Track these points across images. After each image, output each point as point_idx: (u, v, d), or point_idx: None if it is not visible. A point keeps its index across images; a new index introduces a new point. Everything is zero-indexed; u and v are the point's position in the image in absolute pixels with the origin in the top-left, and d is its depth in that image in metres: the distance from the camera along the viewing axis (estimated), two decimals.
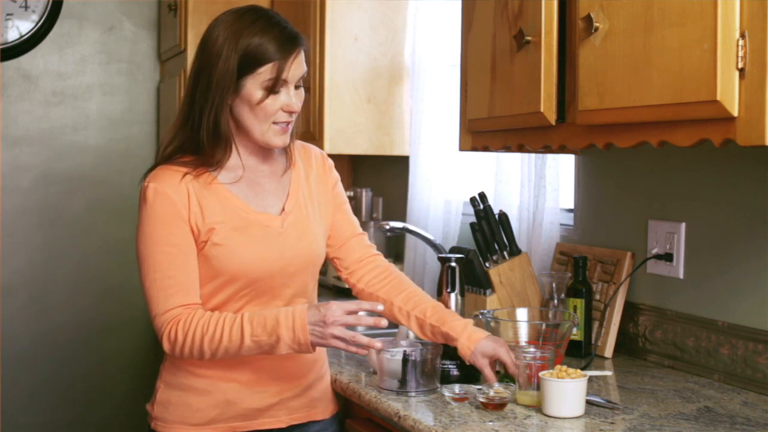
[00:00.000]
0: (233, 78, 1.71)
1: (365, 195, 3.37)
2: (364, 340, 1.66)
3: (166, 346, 1.74)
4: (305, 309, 1.67)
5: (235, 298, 1.77)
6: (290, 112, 1.76)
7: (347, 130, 3.08)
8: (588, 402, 1.71)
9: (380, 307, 1.71)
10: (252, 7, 1.79)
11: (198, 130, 1.75)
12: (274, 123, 1.76)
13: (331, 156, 3.08)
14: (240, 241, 1.75)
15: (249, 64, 1.71)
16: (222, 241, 1.74)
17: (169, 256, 1.74)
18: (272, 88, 1.72)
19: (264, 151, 1.85)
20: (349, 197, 3.42)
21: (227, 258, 1.74)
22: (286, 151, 1.90)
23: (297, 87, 1.77)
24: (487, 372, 1.78)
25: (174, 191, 1.74)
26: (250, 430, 1.82)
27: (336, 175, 1.98)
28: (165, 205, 1.74)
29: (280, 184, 1.86)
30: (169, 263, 1.74)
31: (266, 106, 1.73)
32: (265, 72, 1.71)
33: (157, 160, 1.81)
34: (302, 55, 1.76)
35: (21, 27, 3.79)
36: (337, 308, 1.66)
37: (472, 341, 1.80)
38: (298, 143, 1.94)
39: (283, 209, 1.83)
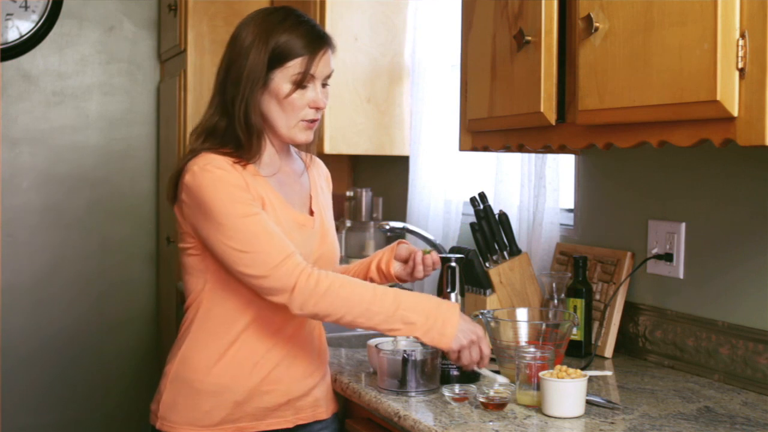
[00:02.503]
0: (263, 71, 1.75)
1: (365, 195, 3.37)
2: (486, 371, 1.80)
3: (297, 295, 1.67)
4: (457, 308, 1.74)
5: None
6: (316, 108, 1.80)
7: (347, 130, 3.08)
8: (588, 402, 1.71)
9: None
10: (280, 7, 1.85)
11: (232, 122, 1.78)
12: (302, 120, 1.80)
13: (331, 156, 3.09)
14: (285, 234, 1.77)
15: (278, 58, 1.75)
16: None
17: (262, 215, 1.72)
18: (300, 81, 1.76)
19: (285, 152, 1.89)
20: (349, 197, 3.42)
21: None
22: (303, 157, 1.95)
23: (324, 85, 1.82)
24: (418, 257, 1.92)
25: (231, 169, 1.75)
26: (259, 430, 1.83)
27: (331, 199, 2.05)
28: (234, 175, 1.73)
29: (301, 186, 1.91)
30: (267, 220, 1.72)
31: (293, 101, 1.77)
32: (294, 66, 1.76)
33: (196, 149, 1.80)
34: (330, 54, 1.81)
35: (21, 27, 3.79)
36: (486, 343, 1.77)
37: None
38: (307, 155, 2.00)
39: (311, 210, 1.88)
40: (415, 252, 1.94)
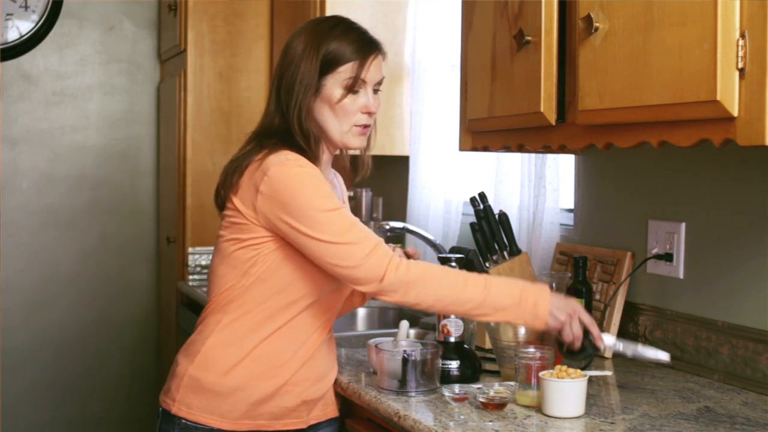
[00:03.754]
0: (315, 77, 1.78)
1: (365, 195, 3.37)
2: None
3: (391, 273, 1.69)
4: (546, 287, 1.74)
5: (311, 298, 1.80)
6: (368, 113, 1.82)
7: None
8: (639, 356, 1.77)
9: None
10: (332, 16, 1.90)
11: (290, 128, 1.80)
12: (354, 125, 1.82)
13: None
14: None
15: (330, 63, 1.78)
16: None
17: (346, 209, 1.77)
18: (351, 86, 1.79)
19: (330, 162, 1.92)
20: (349, 197, 3.42)
21: None
22: (343, 166, 1.97)
23: (375, 91, 1.84)
24: None
25: (314, 166, 1.78)
26: (275, 430, 1.83)
27: None
28: (318, 172, 1.76)
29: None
30: (350, 213, 1.77)
31: (345, 105, 1.80)
32: (345, 71, 1.78)
33: (266, 143, 1.80)
34: (381, 59, 1.84)
35: (21, 27, 3.79)
36: (587, 316, 1.75)
37: None
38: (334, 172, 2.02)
39: None
40: None
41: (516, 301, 1.71)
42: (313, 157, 1.80)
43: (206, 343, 1.80)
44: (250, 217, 1.76)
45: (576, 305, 1.75)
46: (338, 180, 2.01)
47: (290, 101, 1.80)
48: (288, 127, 1.81)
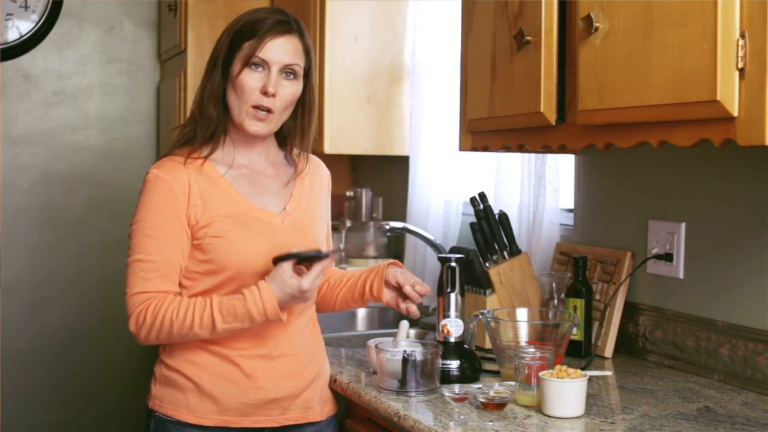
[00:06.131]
0: (224, 54, 1.80)
1: (365, 195, 3.37)
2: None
3: (132, 327, 1.79)
4: (272, 292, 1.69)
5: (233, 284, 1.78)
6: (265, 93, 1.77)
7: (347, 130, 3.08)
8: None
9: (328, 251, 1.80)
10: (262, 7, 1.90)
11: (196, 114, 1.83)
12: (253, 107, 1.79)
13: (331, 156, 3.08)
14: (240, 235, 1.77)
15: (237, 41, 1.79)
16: (221, 234, 1.76)
17: (153, 240, 1.77)
18: (247, 62, 1.77)
19: (269, 153, 1.89)
20: (349, 197, 3.42)
21: (227, 251, 1.76)
22: (295, 161, 1.93)
23: (288, 77, 1.80)
24: (401, 305, 1.88)
25: (175, 179, 1.78)
26: (243, 426, 1.82)
27: (329, 199, 2.04)
28: (163, 192, 1.78)
29: (285, 188, 1.90)
30: (152, 247, 1.77)
31: (242, 82, 1.78)
32: (247, 47, 1.78)
33: (167, 151, 1.86)
34: (294, 43, 1.81)
35: (21, 27, 3.79)
36: (307, 282, 1.69)
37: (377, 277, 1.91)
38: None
39: (285, 208, 1.85)
40: (400, 295, 1.90)
41: (247, 323, 1.72)
42: (204, 143, 1.81)
43: (167, 347, 1.87)
44: None
45: (294, 284, 1.69)
46: (312, 165, 1.97)
47: (202, 83, 1.83)
48: (193, 116, 1.83)
